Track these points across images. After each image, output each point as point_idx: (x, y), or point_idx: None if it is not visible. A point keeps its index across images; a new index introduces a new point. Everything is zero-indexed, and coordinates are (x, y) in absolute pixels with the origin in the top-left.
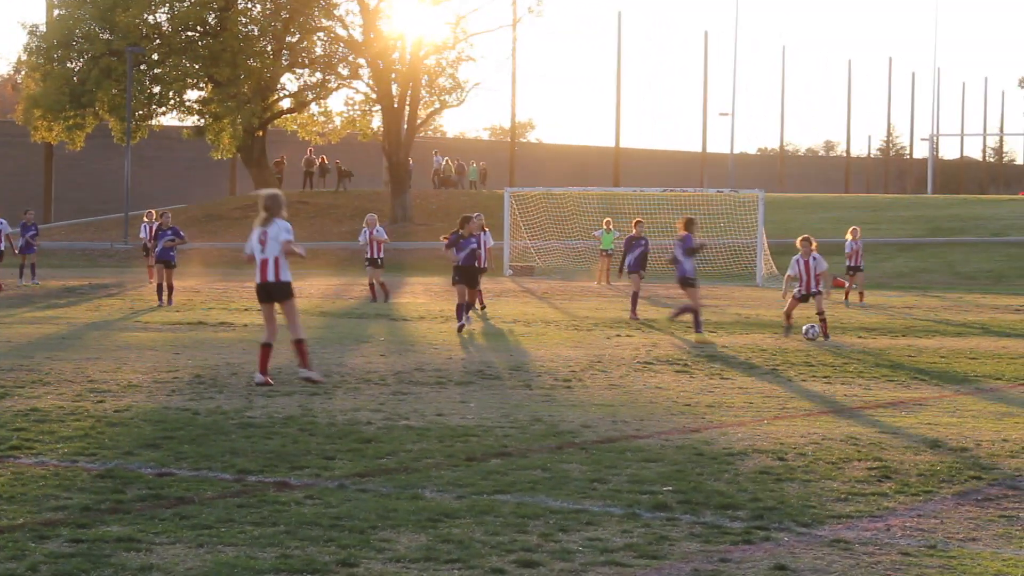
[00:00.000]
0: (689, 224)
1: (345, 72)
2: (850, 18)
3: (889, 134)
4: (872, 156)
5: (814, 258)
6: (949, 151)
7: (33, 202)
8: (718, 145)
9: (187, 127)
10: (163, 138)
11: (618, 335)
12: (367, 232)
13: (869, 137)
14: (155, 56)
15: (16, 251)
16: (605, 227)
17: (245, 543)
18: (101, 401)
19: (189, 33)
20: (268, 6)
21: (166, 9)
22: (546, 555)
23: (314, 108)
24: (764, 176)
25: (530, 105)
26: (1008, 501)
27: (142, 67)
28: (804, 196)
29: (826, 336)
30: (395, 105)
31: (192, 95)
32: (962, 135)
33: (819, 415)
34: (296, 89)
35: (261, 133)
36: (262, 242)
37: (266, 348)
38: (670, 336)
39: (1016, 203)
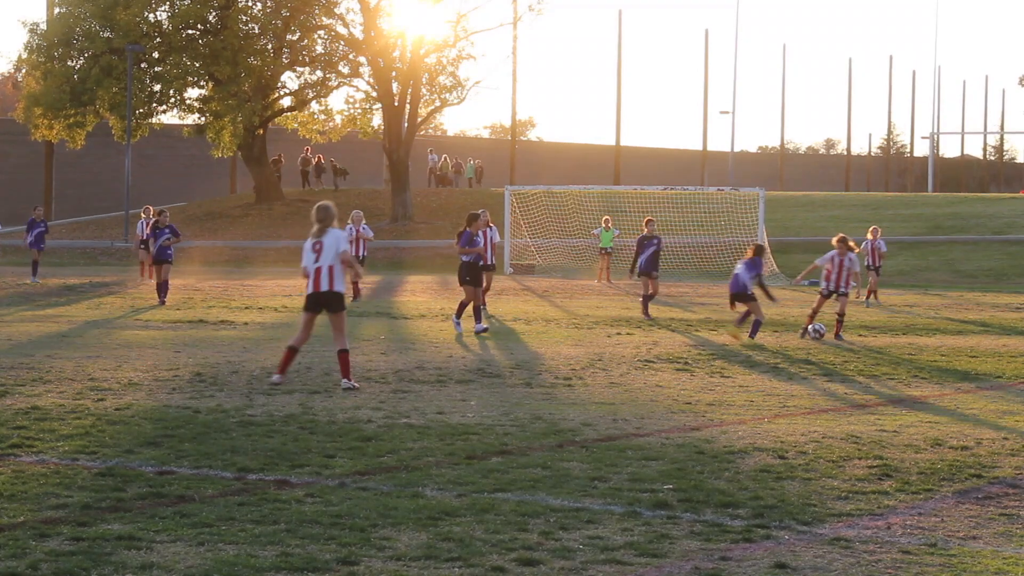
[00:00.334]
0: (759, 251)
1: (346, 70)
2: (851, 16)
3: (890, 132)
4: (873, 154)
5: (849, 258)
6: (950, 149)
7: (33, 200)
8: (719, 143)
9: (187, 125)
10: (164, 136)
11: (619, 333)
12: (352, 229)
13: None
14: (156, 54)
15: (28, 246)
16: (604, 225)
17: (246, 541)
18: (102, 399)
19: (190, 31)
20: (269, 4)
21: (167, 7)
22: (546, 553)
23: (315, 106)
24: (764, 174)
25: (531, 103)
26: (1009, 499)
27: (143, 65)
28: (804, 194)
29: (838, 336)
30: (396, 103)
31: (193, 93)
32: (963, 133)
33: (820, 413)
34: (297, 87)
35: (261, 131)
36: (316, 251)
37: (291, 352)
38: (671, 334)
39: (1017, 201)
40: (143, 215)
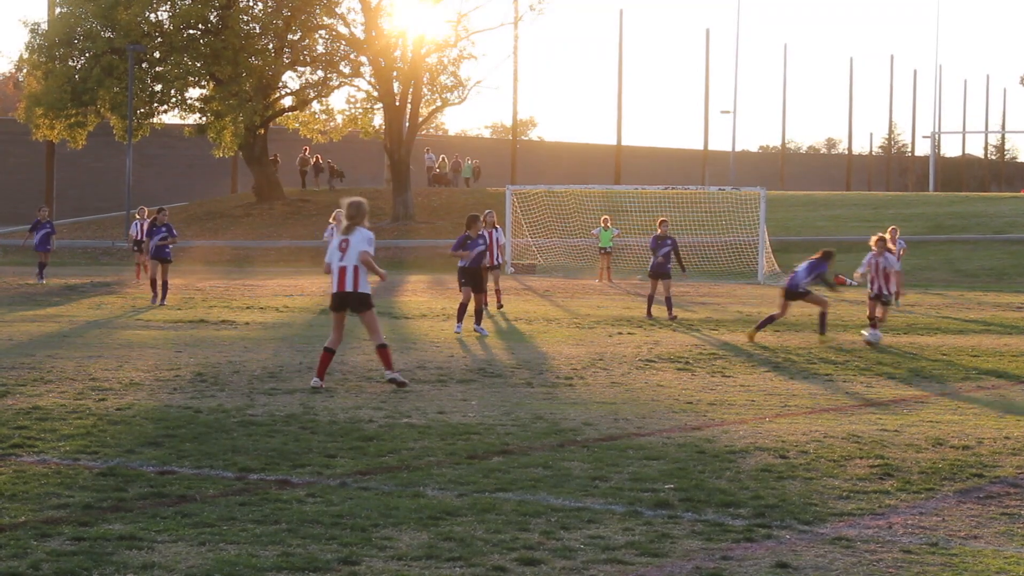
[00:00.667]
0: (827, 256)
1: (347, 70)
2: (852, 16)
3: (891, 132)
4: (874, 154)
5: (885, 258)
6: (951, 149)
7: (35, 200)
8: (720, 143)
9: (188, 125)
10: (164, 136)
11: (620, 333)
12: (334, 229)
13: (871, 135)
14: (157, 54)
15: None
16: (603, 225)
17: (247, 541)
18: (103, 399)
19: (191, 31)
20: (270, 4)
21: (167, 7)
22: (547, 553)
23: (315, 106)
24: (766, 174)
25: (532, 103)
26: (1010, 499)
27: (143, 65)
28: (805, 194)
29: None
30: (397, 103)
31: (194, 93)
32: (964, 132)
33: (821, 413)
34: (298, 87)
35: (262, 131)
36: (342, 249)
37: (327, 353)
38: (672, 334)
39: (1018, 200)
40: (137, 216)
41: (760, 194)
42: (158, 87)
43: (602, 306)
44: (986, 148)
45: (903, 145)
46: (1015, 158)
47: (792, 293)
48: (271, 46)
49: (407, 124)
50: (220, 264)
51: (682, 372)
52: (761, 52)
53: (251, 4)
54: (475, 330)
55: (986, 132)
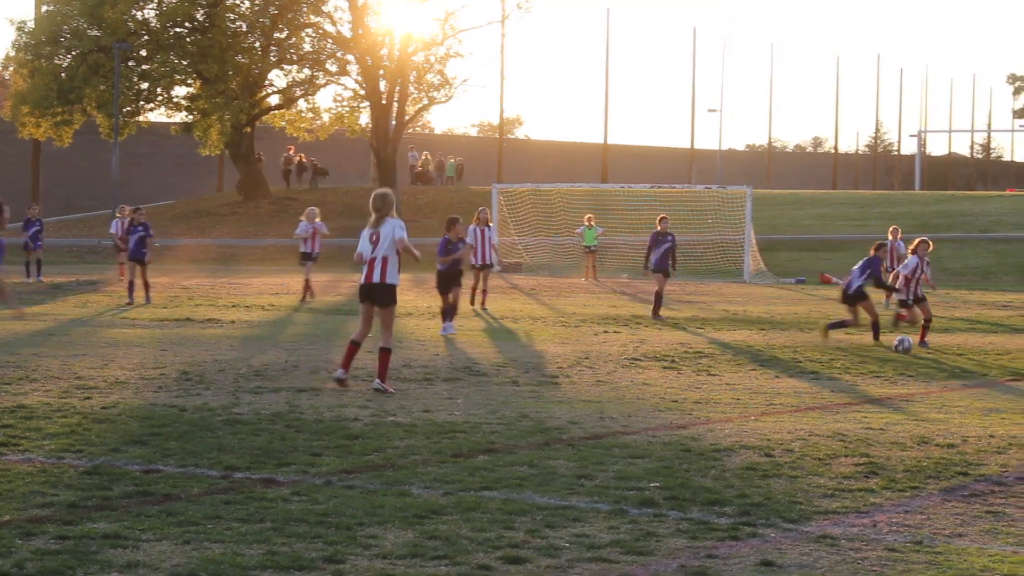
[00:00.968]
0: (878, 248)
1: (333, 68)
2: (838, 15)
3: (877, 130)
4: (860, 152)
5: (927, 262)
6: (937, 147)
7: (21, 198)
8: (706, 141)
9: (175, 123)
10: (151, 134)
11: (605, 331)
12: (307, 226)
13: (857, 133)
14: (143, 52)
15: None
16: (586, 223)
17: (231, 540)
18: (88, 398)
19: (177, 29)
20: (257, 2)
21: (154, 5)
22: (532, 551)
23: (302, 104)
24: (752, 172)
25: (518, 101)
26: (994, 497)
27: (130, 63)
28: (792, 192)
29: (922, 342)
30: (383, 101)
31: (180, 91)
32: (950, 131)
33: (806, 411)
34: (284, 85)
35: (249, 129)
36: (373, 242)
37: (353, 346)
38: (658, 332)
39: (1004, 199)
40: (118, 215)
41: (746, 192)
42: (144, 85)
43: (588, 305)
44: (972, 147)
45: (889, 144)
46: (1001, 157)
47: (848, 297)
48: (258, 44)
49: (394, 122)
50: (206, 262)
51: (668, 370)
52: (748, 51)
53: (238, 2)
54: (442, 332)
55: (972, 131)
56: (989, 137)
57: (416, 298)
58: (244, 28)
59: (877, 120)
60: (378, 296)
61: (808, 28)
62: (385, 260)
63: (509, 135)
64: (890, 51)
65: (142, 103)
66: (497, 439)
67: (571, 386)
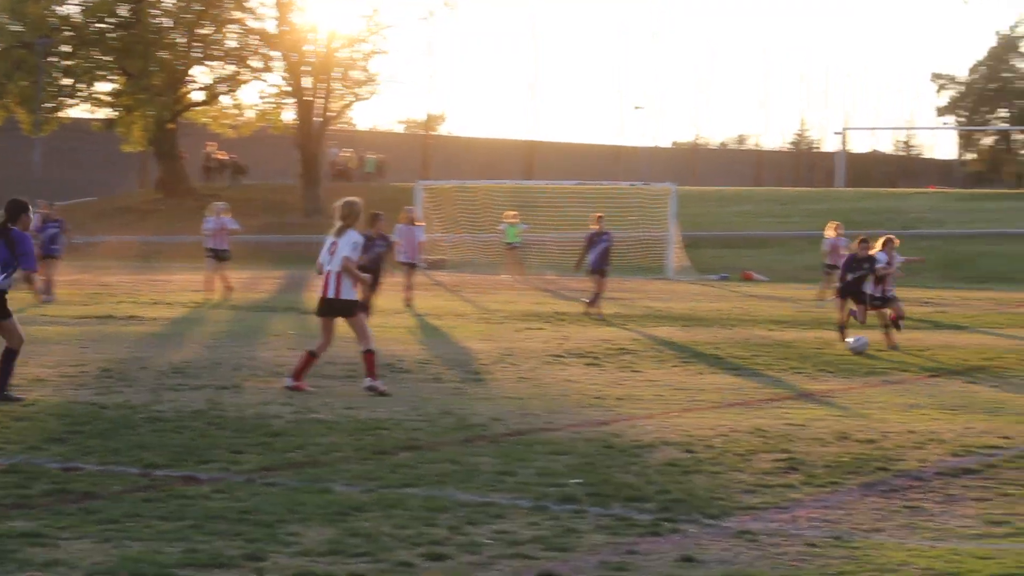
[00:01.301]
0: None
1: (258, 64)
2: (765, 13)
3: (801, 128)
4: (784, 149)
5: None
6: (860, 145)
7: None
8: (633, 138)
9: (98, 119)
10: (74, 130)
11: (528, 328)
12: (215, 221)
13: (781, 131)
14: (66, 48)
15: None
16: (509, 221)
17: (152, 537)
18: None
19: (100, 25)
20: None
21: (78, 0)
22: (454, 548)
23: (226, 101)
24: (678, 169)
25: (444, 98)
26: (913, 492)
27: (52, 59)
28: (716, 189)
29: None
30: (308, 98)
31: (103, 87)
32: (873, 129)
33: (727, 408)
34: (208, 81)
35: (172, 126)
36: (331, 252)
37: (310, 357)
38: (581, 329)
39: (925, 196)
40: (36, 210)
41: (671, 189)
42: (67, 81)
43: (511, 302)
44: (895, 144)
45: (813, 141)
46: (922, 154)
47: (844, 292)
48: (182, 40)
49: (318, 119)
50: (129, 259)
51: (590, 367)
52: (675, 48)
53: None
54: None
55: (894, 128)
56: (912, 135)
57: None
58: (168, 24)
59: (801, 118)
60: (338, 310)
61: (735, 27)
62: (339, 275)
63: (434, 131)
64: (814, 49)
65: (65, 99)
66: (419, 436)
67: (494, 383)
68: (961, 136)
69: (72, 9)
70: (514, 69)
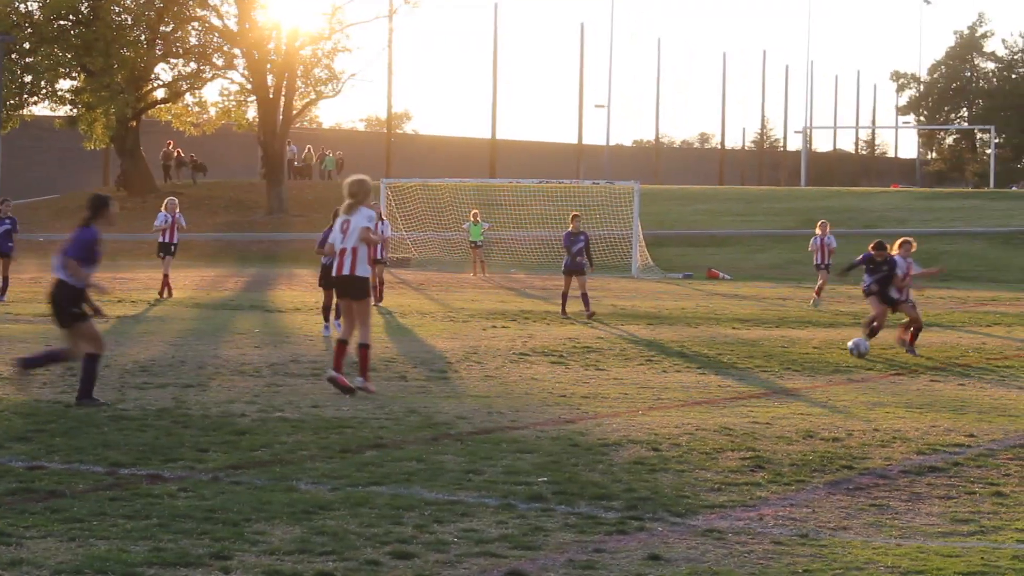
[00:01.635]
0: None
1: (220, 62)
2: (724, 11)
3: (763, 127)
4: (746, 148)
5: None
6: (822, 144)
7: None
8: (594, 137)
9: (59, 117)
10: (34, 128)
11: (494, 326)
12: (167, 217)
13: (743, 129)
14: (27, 45)
15: None
16: (472, 219)
17: (117, 536)
18: None
19: (61, 22)
20: None
21: None
22: (421, 546)
23: (189, 98)
24: (640, 168)
25: (407, 96)
26: (878, 490)
27: (13, 56)
28: (679, 188)
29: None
30: (271, 96)
31: (65, 84)
32: (835, 128)
33: (693, 406)
34: (170, 79)
35: (135, 123)
36: (344, 231)
37: (342, 345)
38: (546, 327)
39: (888, 195)
40: None
41: (634, 188)
42: (28, 78)
43: (476, 300)
44: (857, 143)
45: (775, 140)
46: (885, 153)
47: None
48: (143, 38)
49: (281, 117)
50: None
51: (556, 365)
52: (635, 47)
53: None
54: (335, 325)
55: (857, 127)
56: (873, 133)
57: (303, 293)
58: (129, 21)
59: (763, 116)
60: (349, 289)
61: (694, 24)
62: (355, 251)
63: (397, 130)
64: (775, 47)
65: (26, 96)
66: (385, 434)
67: (459, 381)
68: (922, 135)
69: (32, 6)
70: (476, 68)
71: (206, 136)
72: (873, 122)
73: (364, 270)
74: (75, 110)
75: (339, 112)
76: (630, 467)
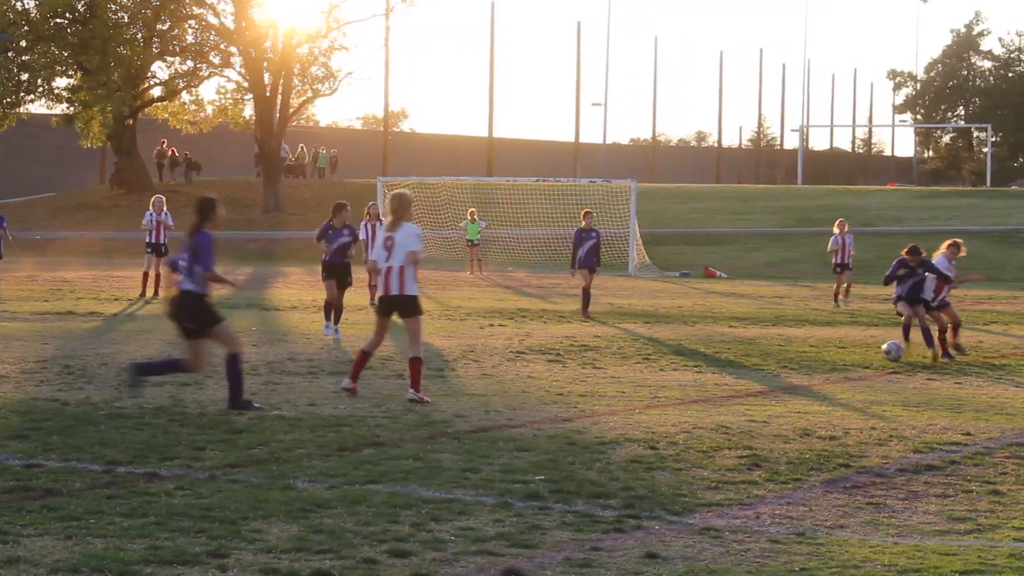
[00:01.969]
0: (914, 254)
1: (217, 60)
2: (721, 9)
3: (760, 125)
4: (743, 147)
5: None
6: (819, 142)
7: None
8: (591, 135)
9: (56, 115)
10: (30, 126)
11: (491, 325)
12: (153, 216)
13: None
14: (23, 43)
15: None
16: (470, 217)
17: (114, 534)
18: None
19: (58, 20)
20: None
21: None
22: (418, 545)
23: (185, 96)
24: (637, 166)
25: (403, 94)
26: (875, 488)
27: (10, 54)
28: (676, 186)
29: (946, 354)
30: (267, 94)
31: (61, 83)
32: (832, 126)
33: (690, 404)
34: (167, 77)
35: (131, 121)
36: (388, 248)
37: (364, 356)
38: (543, 325)
39: (884, 193)
40: None
41: (631, 186)
42: (25, 76)
43: (473, 298)
44: (853, 141)
45: (772, 138)
46: (882, 151)
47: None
48: (140, 36)
49: (278, 115)
50: (89, 255)
51: (553, 364)
52: (632, 45)
53: None
54: (324, 331)
55: (853, 126)
56: (870, 132)
57: (300, 291)
58: (126, 19)
59: (760, 114)
60: (400, 309)
61: (691, 23)
62: (402, 270)
63: (394, 128)
64: (772, 46)
65: (22, 94)
66: (382, 433)
67: (456, 379)
68: (919, 134)
69: (29, 4)
70: (473, 66)
71: (202, 134)
72: (870, 120)
73: (413, 288)
74: (72, 108)
75: (336, 110)
76: (627, 465)
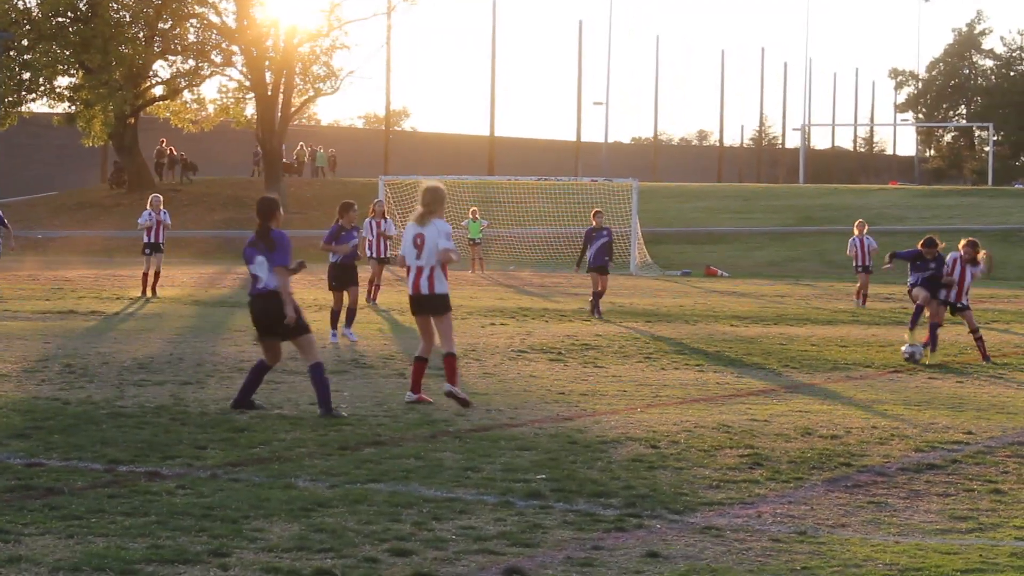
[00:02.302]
0: (930, 246)
1: (218, 59)
2: (723, 8)
3: (761, 124)
4: (745, 146)
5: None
6: (820, 141)
7: None
8: (592, 134)
9: (57, 114)
10: (32, 125)
11: (492, 324)
12: (151, 215)
13: (742, 127)
14: (25, 42)
15: None
16: (471, 216)
17: (116, 533)
18: None
19: (60, 19)
20: None
21: None
22: (419, 543)
23: (187, 95)
24: (638, 165)
25: (405, 93)
26: (877, 487)
27: (12, 53)
28: (678, 185)
29: (986, 358)
30: (269, 93)
31: (63, 81)
32: (833, 125)
33: (691, 403)
34: (168, 76)
35: (133, 120)
36: (417, 246)
37: (420, 363)
38: (545, 324)
39: (886, 192)
40: None
41: (632, 185)
42: (26, 75)
43: (475, 297)
44: (855, 140)
45: (774, 137)
46: (883, 150)
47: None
48: (141, 35)
49: (280, 114)
50: (90, 254)
51: (554, 362)
52: (633, 44)
53: None
54: (344, 333)
55: (855, 125)
56: (872, 131)
57: (302, 290)
58: (127, 18)
59: (761, 113)
60: (430, 307)
61: (693, 22)
62: (432, 269)
63: (396, 127)
64: (774, 45)
65: (24, 93)
66: (384, 431)
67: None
68: (921, 133)
69: (31, 3)
70: (474, 65)
71: (204, 133)
72: (871, 119)
73: (443, 287)
74: (73, 107)
75: (337, 109)
76: (628, 464)
